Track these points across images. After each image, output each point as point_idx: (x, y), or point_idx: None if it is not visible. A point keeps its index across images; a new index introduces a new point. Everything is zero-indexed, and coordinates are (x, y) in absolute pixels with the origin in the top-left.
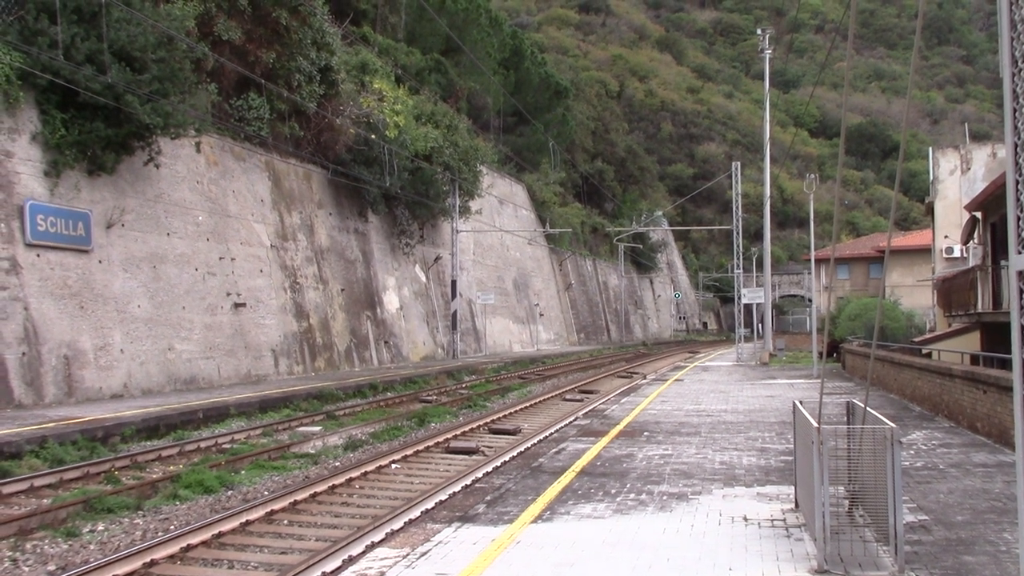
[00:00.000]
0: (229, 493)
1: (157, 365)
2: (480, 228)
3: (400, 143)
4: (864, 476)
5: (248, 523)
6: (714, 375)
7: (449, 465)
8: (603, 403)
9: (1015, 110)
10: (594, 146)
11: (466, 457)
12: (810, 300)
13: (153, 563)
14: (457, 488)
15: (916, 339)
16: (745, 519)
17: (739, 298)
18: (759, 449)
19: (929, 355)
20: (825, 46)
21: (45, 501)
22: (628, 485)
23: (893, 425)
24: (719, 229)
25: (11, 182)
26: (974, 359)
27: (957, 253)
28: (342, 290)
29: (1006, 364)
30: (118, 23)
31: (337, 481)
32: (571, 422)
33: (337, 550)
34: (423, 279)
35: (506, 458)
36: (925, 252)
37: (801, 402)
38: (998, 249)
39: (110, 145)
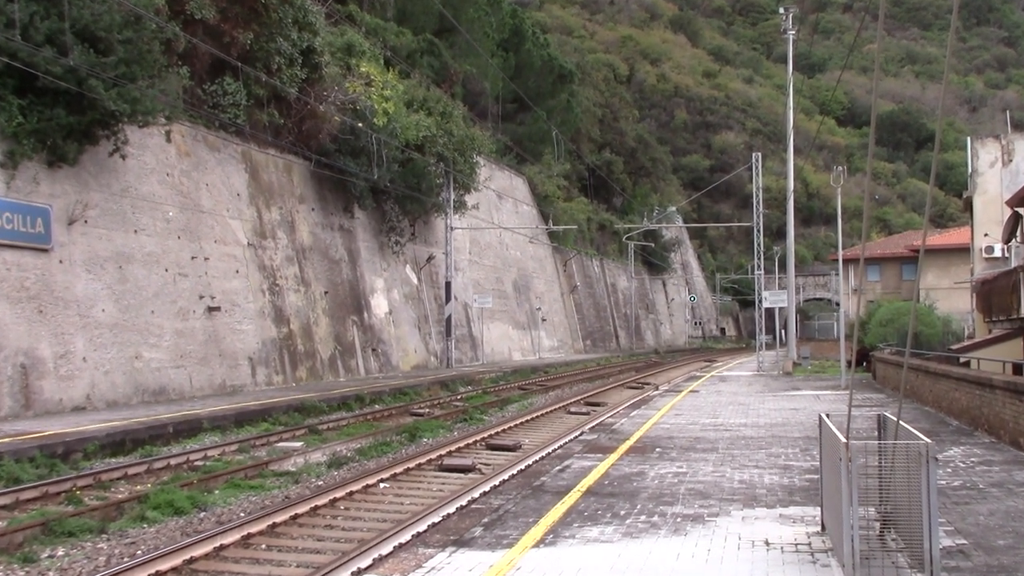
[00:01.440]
0: (202, 515)
1: (123, 375)
2: (477, 225)
3: (389, 132)
4: (897, 496)
5: (222, 547)
6: (732, 386)
7: (443, 484)
8: (611, 416)
9: None
10: (601, 135)
11: (461, 475)
12: (837, 304)
13: None
14: (451, 509)
15: (953, 347)
16: (767, 543)
17: (760, 302)
18: (782, 467)
19: (967, 364)
20: (854, 26)
21: (0, 524)
22: (639, 506)
23: (928, 440)
24: (738, 226)
25: None
26: (1016, 368)
27: (998, 252)
28: (326, 293)
29: None
30: (81, 0)
31: (320, 501)
32: (576, 437)
33: None
34: (414, 281)
35: (505, 476)
36: (963, 251)
37: (828, 415)
38: None
39: (72, 134)
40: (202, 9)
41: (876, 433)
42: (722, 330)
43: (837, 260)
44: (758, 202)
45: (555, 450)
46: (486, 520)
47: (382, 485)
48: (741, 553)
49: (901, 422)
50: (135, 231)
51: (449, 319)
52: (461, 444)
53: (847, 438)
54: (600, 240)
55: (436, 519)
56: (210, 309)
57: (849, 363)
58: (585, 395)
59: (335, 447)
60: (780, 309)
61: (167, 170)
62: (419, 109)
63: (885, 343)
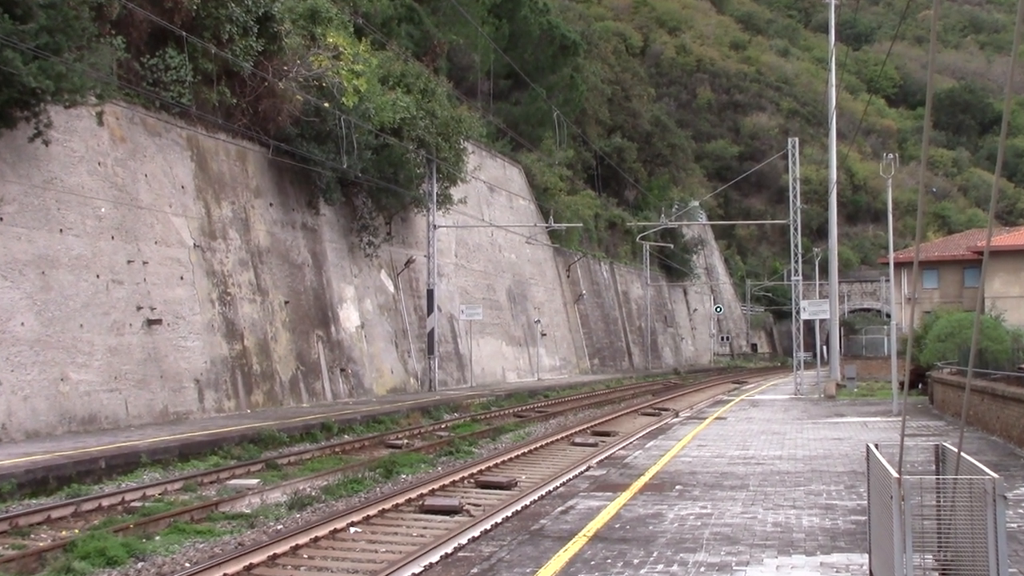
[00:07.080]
0: (139, 565)
1: (46, 399)
2: (465, 222)
3: (361, 113)
4: (958, 541)
5: None
6: (766, 412)
7: (424, 528)
8: (623, 448)
9: None
10: (611, 118)
11: (446, 518)
12: (888, 315)
13: None
14: (434, 558)
15: None
16: None
17: (798, 313)
18: (823, 506)
19: None
20: None
21: None
22: (655, 553)
23: (995, 475)
24: (772, 224)
25: None
26: None
27: None
28: (286, 303)
29: None
30: None
31: (279, 549)
32: (582, 473)
33: None
34: (391, 288)
35: (498, 519)
36: None
37: (877, 446)
38: None
39: None
40: None
41: (934, 467)
42: (753, 346)
43: (888, 264)
44: (795, 196)
45: (557, 488)
46: (475, 571)
47: (353, 530)
48: None
49: (963, 454)
50: (61, 230)
51: (431, 334)
52: (446, 481)
53: (899, 472)
54: (610, 240)
55: (416, 569)
56: (150, 322)
57: (902, 385)
58: (592, 423)
59: (297, 485)
60: (821, 322)
61: (99, 158)
62: (396, 86)
63: (944, 361)
